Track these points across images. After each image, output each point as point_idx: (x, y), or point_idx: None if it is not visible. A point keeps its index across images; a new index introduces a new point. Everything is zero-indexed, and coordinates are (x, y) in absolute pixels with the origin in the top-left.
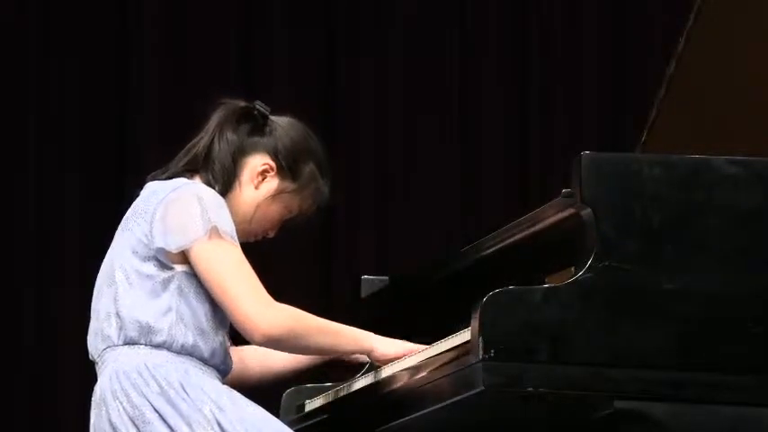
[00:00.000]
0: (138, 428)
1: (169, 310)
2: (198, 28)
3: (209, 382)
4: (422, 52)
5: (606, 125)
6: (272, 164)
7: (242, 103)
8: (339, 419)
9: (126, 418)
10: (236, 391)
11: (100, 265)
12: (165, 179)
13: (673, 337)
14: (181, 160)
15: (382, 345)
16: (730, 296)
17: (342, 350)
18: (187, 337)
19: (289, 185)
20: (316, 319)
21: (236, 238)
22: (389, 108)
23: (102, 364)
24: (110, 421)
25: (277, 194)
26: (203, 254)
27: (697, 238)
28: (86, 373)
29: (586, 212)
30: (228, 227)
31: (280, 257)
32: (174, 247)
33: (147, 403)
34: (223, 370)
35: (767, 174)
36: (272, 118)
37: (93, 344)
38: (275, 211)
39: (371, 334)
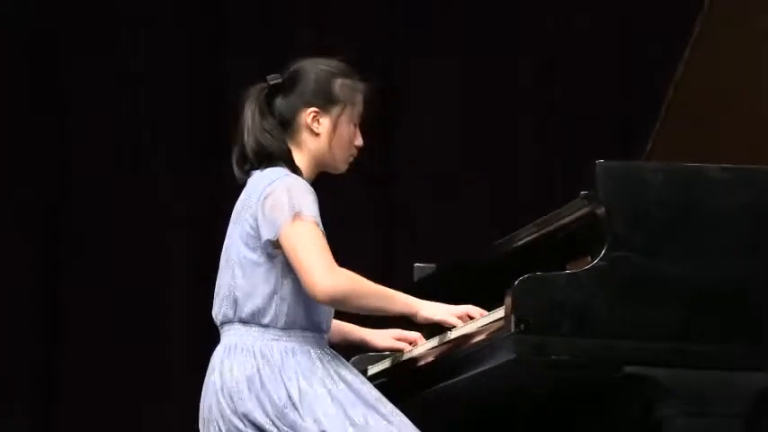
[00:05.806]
0: (232, 399)
1: (274, 293)
2: None
3: (310, 362)
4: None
5: (620, 136)
6: (314, 109)
7: (258, 87)
8: (394, 383)
9: (226, 384)
10: (342, 368)
11: None
12: (263, 168)
13: (673, 313)
14: (255, 157)
15: (427, 309)
16: (720, 280)
17: (392, 311)
18: (289, 314)
19: (337, 110)
20: (372, 284)
21: (318, 218)
22: (445, 111)
23: (223, 334)
24: (214, 385)
25: (335, 124)
26: (288, 233)
27: (692, 233)
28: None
29: (601, 211)
30: (311, 210)
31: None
32: (272, 234)
33: (244, 378)
34: (326, 329)
35: (753, 180)
36: (286, 76)
37: (217, 313)
38: (344, 132)
39: (420, 300)
